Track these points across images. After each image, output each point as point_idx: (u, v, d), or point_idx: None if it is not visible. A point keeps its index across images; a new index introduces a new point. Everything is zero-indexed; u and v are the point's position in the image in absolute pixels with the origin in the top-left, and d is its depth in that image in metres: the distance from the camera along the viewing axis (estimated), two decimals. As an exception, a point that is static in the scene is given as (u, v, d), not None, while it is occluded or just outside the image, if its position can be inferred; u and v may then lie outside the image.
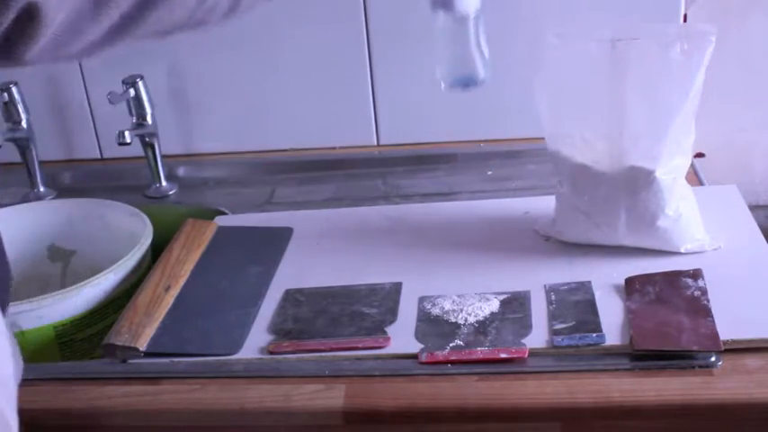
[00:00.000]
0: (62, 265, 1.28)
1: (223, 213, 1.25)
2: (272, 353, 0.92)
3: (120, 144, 1.25)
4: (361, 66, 1.36)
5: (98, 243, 1.24)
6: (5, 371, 0.62)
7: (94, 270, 1.10)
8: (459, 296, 0.97)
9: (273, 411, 0.86)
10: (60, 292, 1.03)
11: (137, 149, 1.33)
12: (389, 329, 0.94)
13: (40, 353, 1.04)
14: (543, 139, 1.05)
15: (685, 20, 1.32)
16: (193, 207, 1.30)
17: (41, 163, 1.38)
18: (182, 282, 1.06)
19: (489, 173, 1.30)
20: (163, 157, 1.35)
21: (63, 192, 1.39)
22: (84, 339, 1.06)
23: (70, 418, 0.90)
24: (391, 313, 0.96)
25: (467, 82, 1.10)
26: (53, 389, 0.91)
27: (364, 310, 0.97)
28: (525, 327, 0.92)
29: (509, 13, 1.28)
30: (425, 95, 1.36)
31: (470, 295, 0.97)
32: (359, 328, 0.94)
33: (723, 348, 0.85)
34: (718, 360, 0.84)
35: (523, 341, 0.89)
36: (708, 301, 0.91)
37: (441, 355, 0.89)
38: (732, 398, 0.81)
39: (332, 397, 0.86)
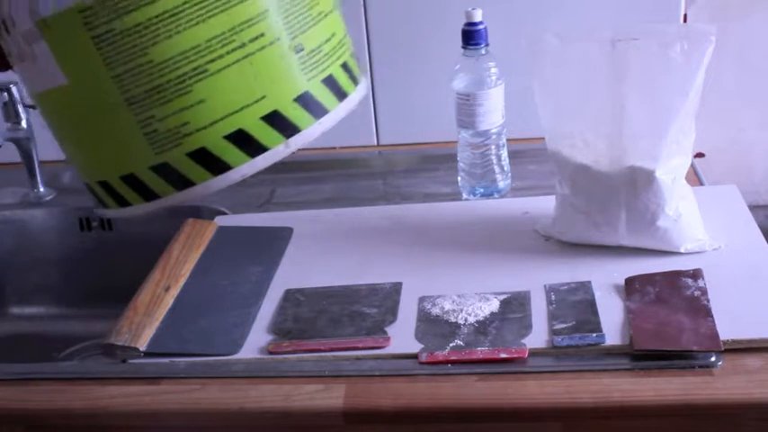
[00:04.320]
0: None
1: (223, 213, 1.25)
2: (272, 353, 0.92)
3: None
4: (360, 66, 1.36)
5: None
6: None
7: None
8: (459, 296, 0.97)
9: (273, 411, 0.86)
10: None
11: (137, 149, 1.32)
12: (389, 329, 0.94)
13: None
14: (543, 139, 1.05)
15: (685, 20, 1.32)
16: (193, 207, 1.30)
17: (41, 163, 1.38)
18: (182, 282, 1.06)
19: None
20: (163, 157, 1.35)
21: (63, 192, 1.39)
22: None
23: (70, 418, 0.90)
24: (391, 313, 0.96)
25: (486, 193, 1.18)
26: (53, 389, 0.91)
27: (364, 310, 0.97)
28: (525, 327, 0.92)
29: (509, 12, 1.29)
30: (425, 95, 1.36)
31: (470, 295, 0.97)
32: (359, 328, 0.94)
33: (723, 348, 0.85)
34: (718, 360, 0.84)
35: (523, 341, 0.89)
36: (708, 301, 0.91)
37: (441, 355, 0.89)
38: (732, 398, 0.81)
39: (332, 397, 0.86)
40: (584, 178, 1.02)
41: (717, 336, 0.86)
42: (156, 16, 0.77)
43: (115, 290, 1.13)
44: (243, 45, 0.78)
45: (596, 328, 0.90)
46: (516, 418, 0.84)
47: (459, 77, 1.17)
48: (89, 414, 0.89)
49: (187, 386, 0.90)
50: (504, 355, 0.88)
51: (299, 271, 1.07)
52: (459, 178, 1.23)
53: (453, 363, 0.88)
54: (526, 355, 0.88)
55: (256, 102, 0.79)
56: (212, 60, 0.78)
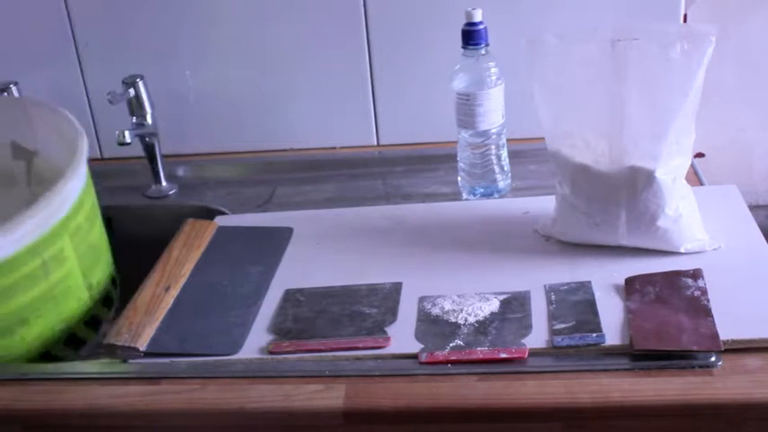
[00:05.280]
0: (25, 163, 1.21)
1: (223, 213, 1.25)
2: (272, 353, 0.92)
3: (120, 144, 1.26)
4: (361, 66, 1.36)
5: (56, 149, 1.13)
6: None
7: (58, 173, 0.99)
8: (459, 296, 0.97)
9: (273, 411, 0.86)
10: None
11: (137, 149, 1.33)
12: (389, 329, 0.94)
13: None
14: (543, 139, 1.05)
15: (685, 20, 1.32)
16: (193, 207, 1.30)
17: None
18: (182, 282, 1.06)
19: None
20: (163, 157, 1.35)
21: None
22: None
23: (70, 418, 0.90)
24: (391, 313, 0.96)
25: (486, 193, 1.18)
26: (53, 389, 0.92)
27: (364, 310, 0.97)
28: (525, 327, 0.92)
29: (509, 12, 1.29)
30: (425, 95, 1.36)
31: (470, 295, 0.97)
32: (359, 328, 0.94)
33: (723, 348, 0.85)
34: (718, 360, 0.84)
35: (523, 341, 0.89)
36: (708, 301, 0.91)
37: (441, 355, 0.89)
38: (732, 398, 0.81)
39: (332, 397, 0.86)
40: (584, 178, 1.02)
41: (717, 336, 0.86)
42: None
43: (115, 290, 1.13)
44: (55, 297, 1.00)
45: (596, 328, 0.90)
46: (516, 418, 0.84)
47: (459, 77, 1.17)
48: (89, 414, 0.89)
49: (187, 386, 0.90)
50: (504, 355, 0.88)
51: (298, 271, 1.07)
52: (459, 178, 1.23)
53: (453, 363, 0.88)
54: (526, 355, 0.88)
55: (59, 329, 1.01)
56: (34, 311, 0.98)
